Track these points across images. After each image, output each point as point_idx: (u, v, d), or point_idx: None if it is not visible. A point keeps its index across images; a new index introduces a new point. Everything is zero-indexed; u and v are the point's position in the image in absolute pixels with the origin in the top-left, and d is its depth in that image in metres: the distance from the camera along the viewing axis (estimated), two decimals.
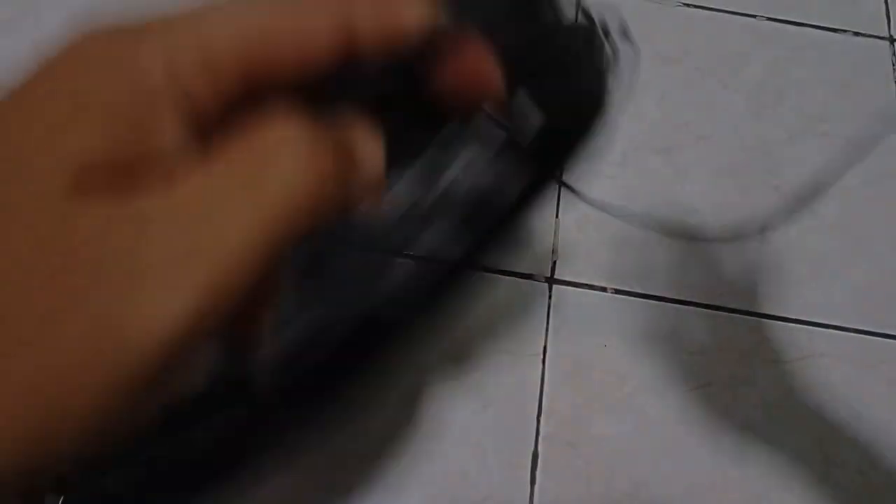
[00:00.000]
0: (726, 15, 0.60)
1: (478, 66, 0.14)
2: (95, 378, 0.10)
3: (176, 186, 0.11)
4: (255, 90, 0.12)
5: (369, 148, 0.14)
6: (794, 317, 0.50)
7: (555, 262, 0.50)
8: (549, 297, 0.49)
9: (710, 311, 0.49)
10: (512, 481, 0.44)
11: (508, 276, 0.49)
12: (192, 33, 0.12)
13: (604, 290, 0.50)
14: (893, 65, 0.59)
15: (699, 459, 0.46)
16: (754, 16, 0.60)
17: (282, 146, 0.12)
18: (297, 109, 0.13)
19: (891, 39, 0.60)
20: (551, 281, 0.49)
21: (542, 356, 0.47)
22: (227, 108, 0.12)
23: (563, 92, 0.18)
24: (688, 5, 0.60)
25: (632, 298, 0.49)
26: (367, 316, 0.17)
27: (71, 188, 0.10)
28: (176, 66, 0.11)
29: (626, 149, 0.55)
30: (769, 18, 0.60)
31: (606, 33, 0.18)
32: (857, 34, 0.60)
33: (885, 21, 0.61)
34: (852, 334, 0.50)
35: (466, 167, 0.14)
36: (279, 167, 0.12)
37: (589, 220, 0.52)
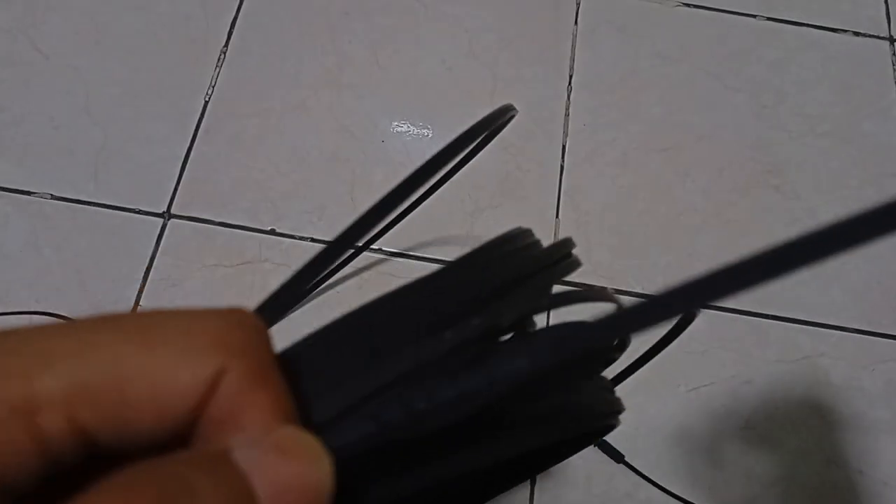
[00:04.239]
0: (726, 15, 0.60)
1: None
2: None
3: None
4: (103, 444, 0.11)
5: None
6: (794, 317, 0.50)
7: None
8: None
9: (710, 311, 0.49)
10: None
11: None
12: (21, 378, 0.10)
13: (603, 289, 0.50)
14: (893, 65, 0.59)
15: (699, 459, 0.46)
16: (754, 16, 0.60)
17: None
18: (152, 471, 0.10)
19: (891, 39, 0.60)
20: None
21: None
22: (62, 463, 0.10)
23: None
24: (688, 5, 0.60)
25: (632, 299, 0.49)
26: None
27: None
28: None
29: (626, 148, 0.55)
30: (769, 18, 0.60)
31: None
32: (857, 34, 0.60)
33: (886, 21, 0.61)
34: (852, 334, 0.50)
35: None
36: None
37: (589, 218, 0.52)
